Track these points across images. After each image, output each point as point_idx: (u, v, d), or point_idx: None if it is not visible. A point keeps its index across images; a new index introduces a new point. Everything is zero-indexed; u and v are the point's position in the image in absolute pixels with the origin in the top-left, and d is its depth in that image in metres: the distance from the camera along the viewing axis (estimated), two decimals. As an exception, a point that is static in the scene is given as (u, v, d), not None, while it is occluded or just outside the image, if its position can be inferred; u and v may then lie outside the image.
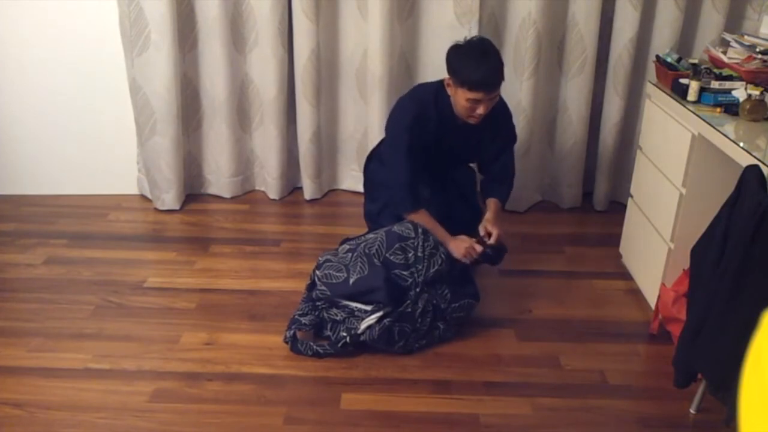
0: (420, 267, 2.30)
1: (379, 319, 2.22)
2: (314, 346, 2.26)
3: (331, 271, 2.32)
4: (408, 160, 2.41)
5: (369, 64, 3.10)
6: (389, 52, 3.05)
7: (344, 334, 2.25)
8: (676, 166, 2.32)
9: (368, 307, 2.25)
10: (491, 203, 2.57)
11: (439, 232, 2.41)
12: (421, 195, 2.49)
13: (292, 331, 2.29)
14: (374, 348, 2.26)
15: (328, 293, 2.30)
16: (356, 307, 2.28)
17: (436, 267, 2.31)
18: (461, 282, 2.41)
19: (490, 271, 2.76)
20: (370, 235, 2.41)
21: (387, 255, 2.30)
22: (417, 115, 2.42)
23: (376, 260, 2.29)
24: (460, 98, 2.32)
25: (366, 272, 2.27)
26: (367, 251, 2.31)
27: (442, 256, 2.34)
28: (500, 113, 2.51)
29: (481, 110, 2.32)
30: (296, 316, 2.35)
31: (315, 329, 2.32)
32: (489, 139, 2.56)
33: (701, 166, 2.23)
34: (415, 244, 2.33)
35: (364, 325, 2.23)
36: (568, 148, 3.27)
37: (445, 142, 2.51)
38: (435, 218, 2.45)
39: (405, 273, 2.29)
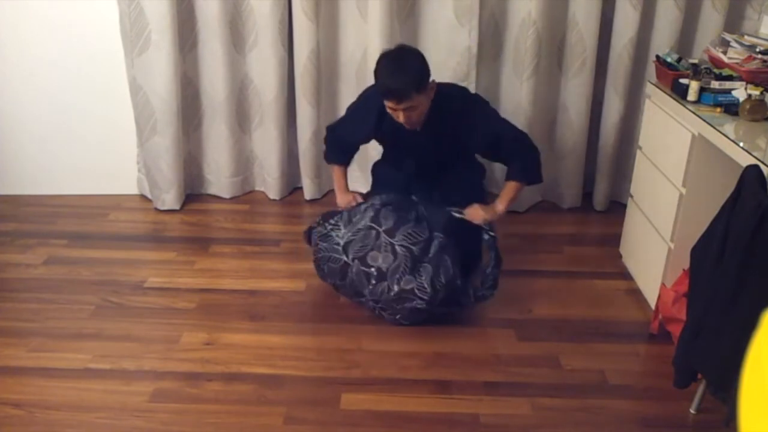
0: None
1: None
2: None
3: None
4: (342, 126, 2.66)
5: (369, 64, 3.10)
6: (389, 52, 3.05)
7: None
8: (676, 166, 2.32)
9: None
10: (504, 188, 2.57)
11: (339, 184, 2.65)
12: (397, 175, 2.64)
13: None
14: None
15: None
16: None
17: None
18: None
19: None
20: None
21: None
22: (363, 99, 2.61)
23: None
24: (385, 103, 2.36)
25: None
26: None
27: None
28: (462, 106, 2.46)
29: (401, 117, 2.32)
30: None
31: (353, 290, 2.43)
32: (472, 135, 2.48)
33: (701, 166, 2.23)
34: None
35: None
36: (568, 148, 3.27)
37: (408, 141, 2.50)
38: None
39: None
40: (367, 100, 2.55)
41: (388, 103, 2.31)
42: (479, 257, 2.57)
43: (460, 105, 2.46)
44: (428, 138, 2.47)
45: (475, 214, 2.45)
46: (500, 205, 2.50)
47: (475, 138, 2.49)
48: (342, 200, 2.64)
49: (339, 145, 2.68)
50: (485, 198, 2.66)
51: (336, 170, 2.70)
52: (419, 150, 2.54)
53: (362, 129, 2.58)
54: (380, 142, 2.69)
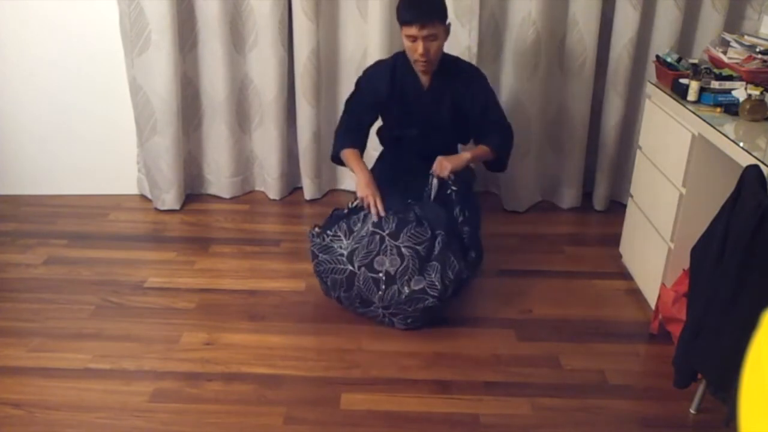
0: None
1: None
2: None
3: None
4: (346, 112, 2.67)
5: (369, 64, 3.10)
6: (389, 52, 3.04)
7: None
8: (676, 166, 2.32)
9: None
10: (475, 147, 2.65)
11: (365, 173, 2.49)
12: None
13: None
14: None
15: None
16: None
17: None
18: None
19: (490, 271, 2.76)
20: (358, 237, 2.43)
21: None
22: (367, 75, 2.64)
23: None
24: (404, 41, 2.44)
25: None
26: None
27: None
28: (466, 73, 2.60)
29: (420, 50, 2.39)
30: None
31: (360, 300, 2.39)
32: (467, 103, 2.60)
33: (701, 166, 2.23)
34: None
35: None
36: (568, 148, 3.27)
37: (416, 110, 2.59)
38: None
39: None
40: (375, 72, 2.62)
41: (409, 31, 2.38)
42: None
43: (466, 72, 2.61)
44: (433, 99, 2.57)
45: (441, 166, 2.48)
46: (467, 153, 2.57)
47: (472, 106, 2.60)
48: (369, 191, 2.43)
49: (356, 126, 2.64)
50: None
51: (353, 156, 2.55)
52: (423, 114, 2.60)
53: (375, 97, 2.59)
54: (387, 110, 2.67)
